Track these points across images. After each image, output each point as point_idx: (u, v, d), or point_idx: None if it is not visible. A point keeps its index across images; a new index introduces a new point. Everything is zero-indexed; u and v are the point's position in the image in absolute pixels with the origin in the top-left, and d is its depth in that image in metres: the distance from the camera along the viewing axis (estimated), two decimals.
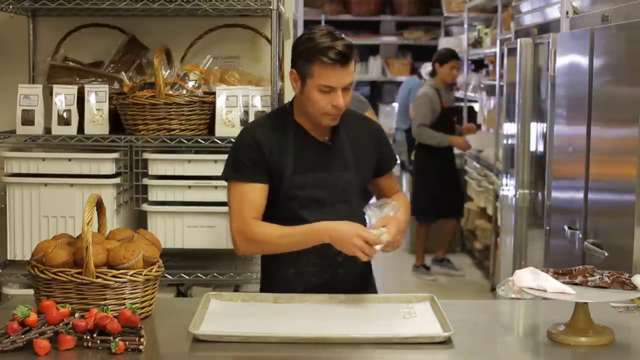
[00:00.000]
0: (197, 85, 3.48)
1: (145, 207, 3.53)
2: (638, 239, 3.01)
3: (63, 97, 3.51)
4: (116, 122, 3.53)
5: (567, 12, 4.16)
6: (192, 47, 3.80)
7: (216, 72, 3.66)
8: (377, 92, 11.19)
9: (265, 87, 3.53)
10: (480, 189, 7.25)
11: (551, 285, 2.30)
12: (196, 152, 3.54)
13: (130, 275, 2.39)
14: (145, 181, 3.53)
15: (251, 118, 3.46)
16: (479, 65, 9.26)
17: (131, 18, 3.80)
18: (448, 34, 10.54)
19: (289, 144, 2.78)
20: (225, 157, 3.43)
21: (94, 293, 2.36)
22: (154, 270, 2.46)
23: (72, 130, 3.50)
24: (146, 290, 2.44)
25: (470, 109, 9.10)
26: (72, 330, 2.20)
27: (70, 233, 2.76)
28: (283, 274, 2.83)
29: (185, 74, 3.49)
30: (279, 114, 2.89)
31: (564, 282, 2.35)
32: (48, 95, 3.57)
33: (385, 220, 2.66)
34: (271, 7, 3.41)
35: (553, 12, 4.75)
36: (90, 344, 2.19)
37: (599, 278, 2.34)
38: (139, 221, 3.62)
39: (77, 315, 2.27)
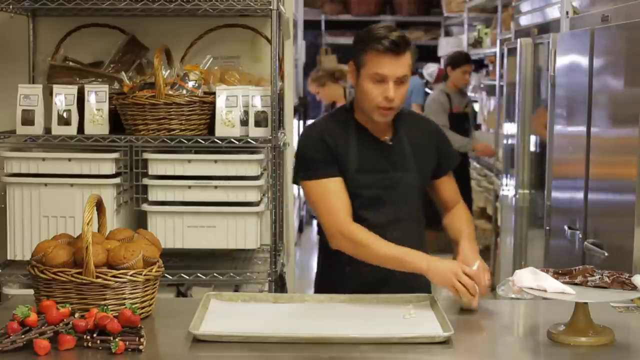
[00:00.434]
0: (197, 85, 3.48)
1: (145, 207, 3.53)
2: (638, 239, 3.01)
3: (63, 97, 3.51)
4: (116, 122, 3.53)
5: (567, 12, 4.16)
6: (192, 47, 3.80)
7: (216, 72, 3.66)
8: None
9: (265, 87, 3.53)
10: (480, 189, 7.25)
11: (551, 285, 2.30)
12: (196, 152, 3.54)
13: (130, 275, 2.39)
14: (145, 181, 3.53)
15: (251, 118, 3.46)
16: (479, 65, 9.26)
17: (131, 18, 3.79)
18: (448, 34, 10.54)
19: (351, 142, 2.80)
20: (225, 157, 3.47)
21: (94, 293, 2.36)
22: (154, 270, 2.46)
23: (72, 130, 3.50)
24: (146, 290, 2.44)
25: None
26: (72, 330, 2.20)
27: (70, 233, 2.76)
28: (340, 271, 2.84)
29: (185, 74, 3.49)
30: (339, 113, 2.91)
31: (564, 282, 2.35)
32: (48, 95, 3.57)
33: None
34: (271, 7, 3.41)
35: (553, 12, 4.74)
36: (90, 344, 2.19)
37: (599, 278, 2.34)
38: (139, 221, 3.62)
39: (77, 315, 2.27)
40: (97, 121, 3.50)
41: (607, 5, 3.66)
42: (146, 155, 3.53)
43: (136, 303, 2.38)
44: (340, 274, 2.85)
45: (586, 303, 2.28)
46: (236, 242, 3.51)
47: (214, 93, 3.48)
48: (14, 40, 3.90)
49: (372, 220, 2.77)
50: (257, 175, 3.50)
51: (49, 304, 2.27)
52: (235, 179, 3.48)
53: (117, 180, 3.50)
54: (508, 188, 5.46)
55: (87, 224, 2.31)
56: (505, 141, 5.76)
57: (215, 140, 3.42)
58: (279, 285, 3.63)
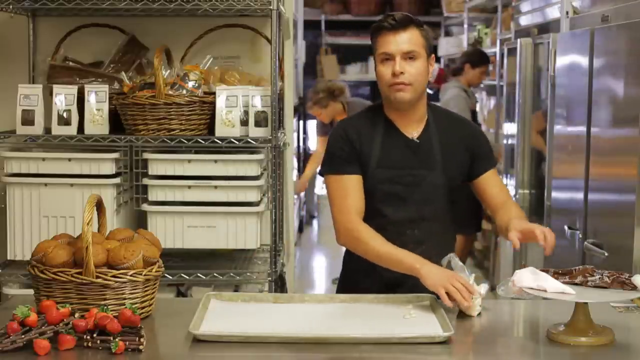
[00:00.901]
0: (197, 85, 3.48)
1: (145, 207, 3.53)
2: (638, 239, 3.01)
3: (63, 97, 3.51)
4: (116, 122, 3.53)
5: (567, 12, 4.16)
6: (192, 47, 3.80)
7: (216, 72, 3.66)
8: (377, 92, 11.16)
9: (265, 87, 3.53)
10: None
11: (551, 285, 2.30)
12: (196, 152, 3.54)
13: (130, 275, 2.39)
14: (145, 181, 3.53)
15: (251, 118, 3.47)
16: None
17: (131, 18, 3.79)
18: (448, 34, 10.54)
19: (376, 138, 2.81)
20: (225, 157, 3.47)
21: (94, 293, 2.36)
22: (154, 270, 2.46)
23: (72, 130, 3.50)
24: (146, 290, 2.44)
25: None
26: (72, 330, 2.20)
27: (70, 233, 2.76)
28: (361, 266, 2.84)
29: (185, 74, 3.49)
30: (373, 108, 2.94)
31: (564, 282, 2.35)
32: (48, 95, 3.57)
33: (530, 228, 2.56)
34: (271, 7, 3.41)
35: (553, 12, 4.74)
36: (90, 344, 2.19)
37: (599, 278, 2.34)
38: (139, 221, 3.62)
39: (77, 315, 2.27)
40: (97, 121, 3.50)
41: (607, 5, 3.66)
42: (146, 155, 3.53)
43: (136, 303, 2.38)
44: (363, 270, 2.86)
45: (586, 303, 2.28)
46: (236, 242, 3.51)
47: (214, 93, 3.48)
48: (14, 40, 3.90)
49: (392, 217, 2.78)
50: (257, 175, 3.50)
51: (49, 304, 2.27)
52: (235, 179, 3.48)
53: (117, 180, 3.50)
54: (508, 188, 5.46)
55: (87, 224, 2.31)
56: (505, 141, 5.76)
57: (215, 140, 3.42)
58: (279, 285, 3.63)
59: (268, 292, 3.48)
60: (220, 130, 3.45)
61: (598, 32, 3.49)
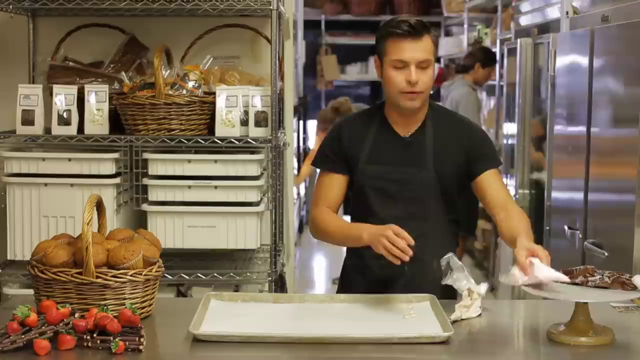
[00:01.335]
0: (197, 85, 3.48)
1: (145, 207, 3.53)
2: (638, 239, 3.01)
3: (63, 97, 3.51)
4: (116, 122, 3.53)
5: (567, 12, 4.16)
6: (192, 47, 3.80)
7: (216, 72, 3.66)
8: (377, 92, 11.19)
9: (265, 87, 3.53)
10: None
11: (545, 274, 2.30)
12: (196, 152, 3.54)
13: (130, 275, 2.39)
14: (145, 181, 3.53)
15: (251, 118, 3.47)
16: None
17: (131, 18, 3.79)
18: (448, 34, 10.54)
19: (369, 135, 2.84)
20: (225, 157, 3.48)
21: (94, 293, 2.36)
22: (154, 270, 2.46)
23: (72, 130, 3.50)
24: (146, 290, 2.44)
25: None
26: (72, 330, 2.20)
27: (70, 233, 2.76)
28: (355, 263, 2.90)
29: (185, 74, 3.49)
30: (373, 107, 2.97)
31: (564, 282, 2.36)
32: (48, 95, 3.57)
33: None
34: (271, 7, 3.41)
35: (553, 12, 4.75)
36: (90, 344, 2.19)
37: (599, 278, 2.34)
38: (139, 221, 3.62)
39: (77, 315, 2.27)
40: (97, 121, 3.50)
41: (607, 5, 3.66)
42: (146, 155, 3.53)
43: (136, 303, 2.38)
44: (360, 267, 2.89)
45: (586, 303, 2.28)
46: (236, 242, 3.51)
47: (214, 93, 3.48)
48: (14, 40, 3.90)
49: (381, 214, 2.78)
50: (257, 175, 3.50)
51: (49, 304, 2.27)
52: (235, 179, 3.48)
53: (117, 180, 3.50)
54: (508, 188, 5.46)
55: (87, 224, 2.31)
56: (505, 141, 5.76)
57: (215, 140, 3.42)
58: (279, 285, 3.63)
59: (268, 292, 3.48)
60: (220, 130, 3.45)
61: (598, 32, 3.49)
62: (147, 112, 3.40)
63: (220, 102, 3.46)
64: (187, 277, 3.48)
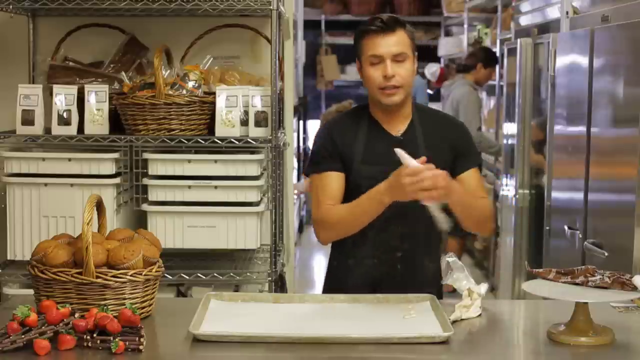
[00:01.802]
0: (197, 85, 3.48)
1: (145, 207, 3.53)
2: (638, 239, 3.01)
3: (63, 97, 3.51)
4: (116, 122, 3.53)
5: (567, 12, 4.16)
6: (192, 47, 3.80)
7: (216, 72, 3.66)
8: None
9: (265, 87, 3.53)
10: None
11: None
12: (196, 152, 3.54)
13: (130, 275, 2.39)
14: (145, 181, 3.53)
15: (251, 118, 3.47)
16: None
17: (131, 18, 3.79)
18: (448, 34, 10.54)
19: (361, 136, 2.83)
20: (225, 157, 3.48)
21: (94, 293, 2.36)
22: (154, 270, 2.46)
23: (72, 130, 3.50)
24: (146, 290, 2.44)
25: None
26: (72, 330, 2.20)
27: (70, 233, 2.76)
28: (345, 264, 2.87)
29: (185, 74, 3.49)
30: (358, 109, 2.96)
31: (564, 282, 2.36)
32: (48, 95, 3.57)
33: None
34: (271, 7, 3.41)
35: (553, 12, 4.75)
36: (90, 344, 2.19)
37: (600, 278, 2.34)
38: (139, 221, 3.62)
39: (77, 315, 2.27)
40: (97, 121, 3.50)
41: (607, 5, 3.66)
42: (146, 155, 3.53)
43: (136, 303, 2.38)
44: (346, 267, 2.88)
45: (586, 303, 2.28)
46: (236, 242, 3.51)
47: (214, 93, 3.48)
48: (14, 40, 3.90)
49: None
50: (257, 175, 3.50)
51: (49, 304, 2.27)
52: (235, 179, 3.48)
53: (117, 180, 3.50)
54: (508, 188, 5.46)
55: (87, 224, 2.31)
56: (505, 141, 5.76)
57: (215, 140, 3.42)
58: (279, 285, 3.63)
59: (268, 292, 3.48)
60: (220, 130, 3.45)
61: (598, 32, 3.49)
62: (147, 112, 3.40)
63: (220, 102, 3.46)
64: (187, 277, 3.48)
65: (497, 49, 6.98)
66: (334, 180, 2.82)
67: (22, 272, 3.45)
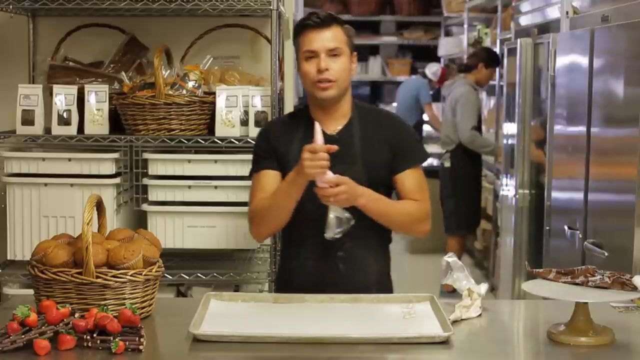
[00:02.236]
0: (197, 85, 3.48)
1: (145, 207, 3.53)
2: (638, 239, 3.01)
3: (63, 97, 3.51)
4: (116, 122, 3.53)
5: (567, 12, 4.16)
6: (192, 47, 3.80)
7: (216, 72, 3.66)
8: (377, 92, 11.19)
9: (265, 87, 3.53)
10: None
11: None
12: (196, 152, 3.54)
13: (130, 275, 2.39)
14: (145, 181, 3.53)
15: (251, 118, 3.47)
16: None
17: (131, 18, 3.80)
18: (448, 34, 10.53)
19: (297, 136, 2.84)
20: (225, 157, 3.48)
21: (94, 293, 2.36)
22: (154, 270, 2.46)
23: (72, 130, 3.50)
24: (146, 290, 2.44)
25: None
26: (72, 330, 2.20)
27: (70, 233, 2.76)
28: (290, 265, 2.89)
29: (185, 74, 3.49)
30: (299, 110, 2.99)
31: (565, 282, 2.36)
32: (48, 95, 3.57)
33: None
34: (271, 7, 3.42)
35: (553, 12, 4.75)
36: (90, 344, 2.19)
37: (600, 278, 2.34)
38: (139, 221, 3.62)
39: (77, 315, 2.27)
40: (97, 121, 3.50)
41: (607, 5, 3.66)
42: (146, 155, 3.53)
43: (136, 303, 2.38)
44: (290, 269, 2.90)
45: (586, 303, 2.28)
46: (236, 242, 3.51)
47: (214, 93, 3.48)
48: (14, 40, 3.90)
49: (313, 215, 2.74)
50: None
51: (49, 304, 2.27)
52: (235, 179, 3.48)
53: (117, 180, 3.50)
54: (508, 188, 5.46)
55: (87, 224, 2.31)
56: (505, 141, 5.76)
57: (215, 140, 3.42)
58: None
59: (268, 292, 3.48)
60: (220, 130, 3.45)
61: (598, 32, 3.49)
62: (147, 112, 3.40)
63: (220, 102, 3.46)
64: (187, 277, 3.49)
65: (497, 49, 6.97)
66: (269, 178, 2.83)
67: (22, 272, 3.45)
